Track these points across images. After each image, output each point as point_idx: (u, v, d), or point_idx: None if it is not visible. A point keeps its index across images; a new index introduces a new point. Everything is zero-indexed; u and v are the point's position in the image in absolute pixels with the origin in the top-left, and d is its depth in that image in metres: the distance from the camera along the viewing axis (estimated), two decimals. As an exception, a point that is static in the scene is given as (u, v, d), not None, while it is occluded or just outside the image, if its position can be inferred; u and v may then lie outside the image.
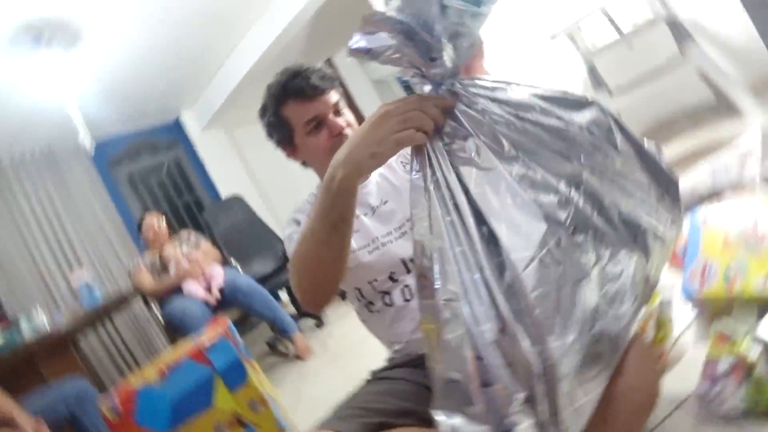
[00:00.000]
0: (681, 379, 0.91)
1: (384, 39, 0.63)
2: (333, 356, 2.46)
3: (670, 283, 1.07)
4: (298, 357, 2.60)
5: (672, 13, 2.00)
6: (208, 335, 1.36)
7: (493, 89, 0.65)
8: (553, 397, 0.55)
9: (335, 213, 0.72)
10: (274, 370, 2.67)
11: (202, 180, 4.95)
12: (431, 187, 0.62)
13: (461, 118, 0.64)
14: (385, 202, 1.01)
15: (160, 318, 2.76)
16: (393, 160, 1.04)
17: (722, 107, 2.17)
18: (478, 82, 0.66)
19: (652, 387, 0.69)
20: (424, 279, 0.60)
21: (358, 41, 0.64)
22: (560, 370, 0.55)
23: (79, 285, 2.99)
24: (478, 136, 0.63)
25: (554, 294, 0.56)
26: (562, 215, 0.60)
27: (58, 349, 2.46)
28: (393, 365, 1.02)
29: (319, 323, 3.04)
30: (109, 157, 4.39)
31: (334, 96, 1.01)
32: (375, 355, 1.08)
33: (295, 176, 5.16)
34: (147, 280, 2.78)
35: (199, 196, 4.92)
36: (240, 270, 3.02)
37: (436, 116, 0.65)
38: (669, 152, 1.93)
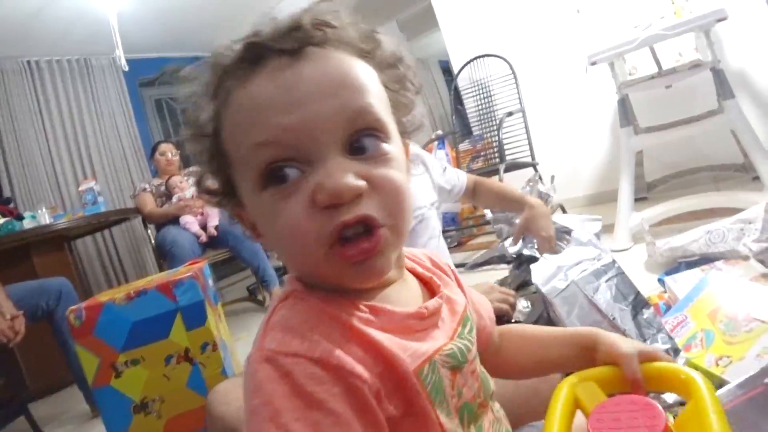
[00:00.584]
0: None
1: None
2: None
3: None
4: (272, 309, 2.68)
5: (718, 61, 1.93)
6: (182, 271, 1.42)
7: None
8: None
9: None
10: (246, 314, 2.78)
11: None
12: None
13: None
14: None
15: (153, 241, 2.86)
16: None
17: (749, 170, 2.13)
18: None
19: None
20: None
21: None
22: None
23: (85, 191, 3.09)
24: None
25: None
26: None
27: (54, 246, 2.58)
28: None
29: (302, 283, 3.11)
30: (141, 78, 4.45)
31: None
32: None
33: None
34: (149, 202, 2.87)
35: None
36: (239, 214, 3.09)
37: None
38: (681, 203, 1.93)
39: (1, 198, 3.21)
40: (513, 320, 1.10)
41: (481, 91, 3.09)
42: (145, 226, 3.05)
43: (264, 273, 2.70)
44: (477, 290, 0.57)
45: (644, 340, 0.91)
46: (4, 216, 2.61)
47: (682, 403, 0.73)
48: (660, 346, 0.90)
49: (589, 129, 2.83)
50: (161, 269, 2.92)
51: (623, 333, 0.89)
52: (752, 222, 1.34)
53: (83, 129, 3.95)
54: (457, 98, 3.23)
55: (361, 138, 0.37)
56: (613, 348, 0.48)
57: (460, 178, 1.35)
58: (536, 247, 1.30)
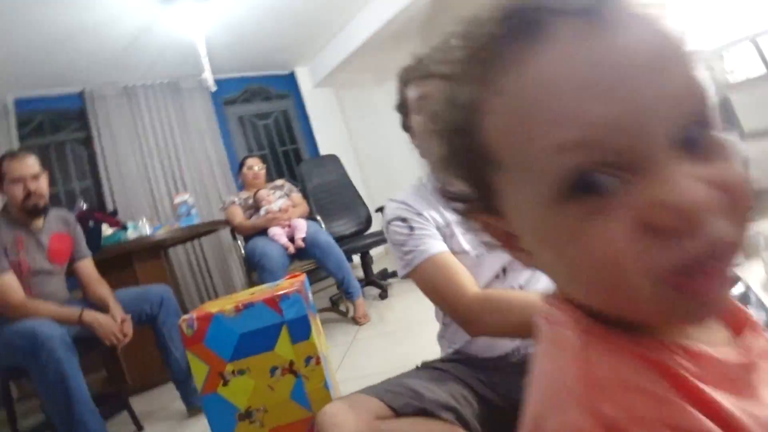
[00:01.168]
0: None
1: None
2: (386, 330, 2.53)
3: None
4: (354, 320, 2.71)
5: None
6: (285, 285, 1.46)
7: None
8: None
9: None
10: (329, 325, 2.81)
11: (305, 134, 5.17)
12: None
13: None
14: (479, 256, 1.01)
15: (243, 251, 2.98)
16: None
17: None
18: None
19: None
20: None
21: None
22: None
23: (180, 204, 3.30)
24: None
25: None
26: None
27: (152, 255, 2.78)
28: (447, 359, 1.05)
29: (384, 294, 3.12)
30: (224, 96, 4.71)
31: None
32: (426, 342, 1.10)
33: (390, 152, 5.28)
34: (238, 215, 3.00)
35: (299, 148, 5.15)
36: (323, 226, 3.16)
37: None
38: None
39: (109, 211, 3.49)
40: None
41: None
42: (234, 237, 3.19)
43: (348, 284, 2.73)
44: None
45: None
46: (111, 226, 2.84)
47: None
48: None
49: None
50: (249, 278, 3.04)
51: None
52: None
53: (175, 147, 4.23)
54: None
55: (698, 129, 0.26)
56: None
57: None
58: None
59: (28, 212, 1.92)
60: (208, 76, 3.46)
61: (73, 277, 2.10)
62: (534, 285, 0.99)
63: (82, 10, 2.90)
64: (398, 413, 0.85)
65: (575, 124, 0.25)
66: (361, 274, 3.40)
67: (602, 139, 0.25)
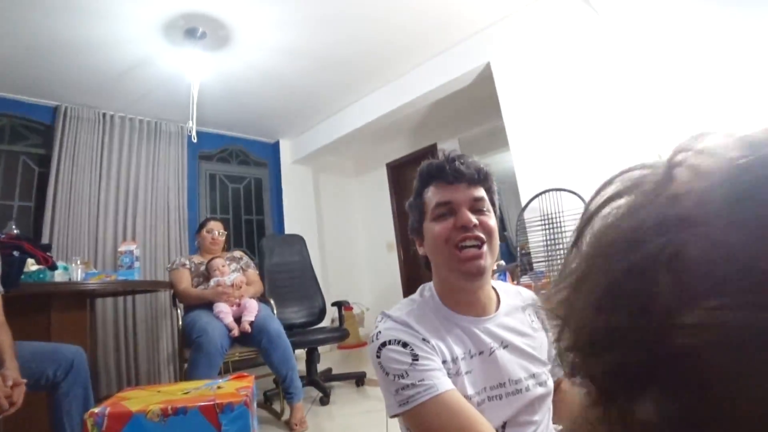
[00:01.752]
0: None
1: None
2: (323, 444, 2.23)
3: None
4: (288, 425, 2.39)
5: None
6: (228, 390, 1.22)
7: None
8: None
9: None
10: (259, 425, 2.46)
11: (274, 207, 5.02)
12: None
13: None
14: (506, 346, 0.88)
15: (180, 322, 2.67)
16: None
17: None
18: None
19: None
20: None
21: None
22: None
23: (124, 253, 2.99)
24: None
25: None
26: None
27: (76, 304, 2.44)
28: None
29: (325, 400, 2.82)
30: (202, 150, 4.58)
31: (478, 191, 0.90)
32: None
33: (356, 248, 5.18)
34: (185, 280, 2.73)
35: (265, 220, 4.96)
36: (274, 311, 2.90)
37: None
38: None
39: (42, 244, 3.12)
40: None
41: (550, 225, 2.97)
42: (174, 304, 2.87)
43: (291, 384, 2.44)
44: None
45: None
46: (39, 263, 2.49)
47: None
48: None
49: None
50: (180, 355, 2.70)
51: None
52: None
53: (136, 190, 3.96)
54: (502, 225, 3.12)
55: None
56: None
57: None
58: None
59: None
60: (192, 126, 3.33)
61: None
62: None
63: (94, 26, 2.80)
64: None
65: None
66: (303, 370, 3.10)
67: None
